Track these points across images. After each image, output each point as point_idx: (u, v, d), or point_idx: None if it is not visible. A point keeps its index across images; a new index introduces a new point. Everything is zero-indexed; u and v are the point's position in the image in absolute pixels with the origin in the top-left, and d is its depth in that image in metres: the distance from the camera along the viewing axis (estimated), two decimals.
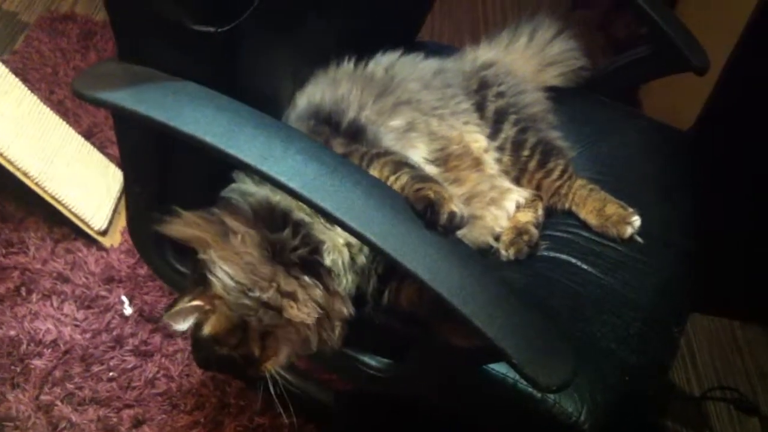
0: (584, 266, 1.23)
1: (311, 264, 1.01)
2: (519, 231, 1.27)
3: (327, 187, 0.82)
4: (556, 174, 1.31)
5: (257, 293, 0.97)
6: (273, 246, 0.99)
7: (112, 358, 1.72)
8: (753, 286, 1.91)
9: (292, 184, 0.81)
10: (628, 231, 1.25)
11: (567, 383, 0.80)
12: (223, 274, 0.97)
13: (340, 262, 1.04)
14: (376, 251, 0.81)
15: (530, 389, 1.00)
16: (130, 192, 1.10)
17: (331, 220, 0.82)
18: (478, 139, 1.29)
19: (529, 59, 1.49)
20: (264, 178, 0.82)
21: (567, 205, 1.32)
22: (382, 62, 1.30)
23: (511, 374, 1.02)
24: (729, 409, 1.88)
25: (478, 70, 1.38)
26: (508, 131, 1.30)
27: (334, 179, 0.83)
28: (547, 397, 1.02)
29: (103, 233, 1.92)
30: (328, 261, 1.03)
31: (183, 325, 1.01)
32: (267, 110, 0.90)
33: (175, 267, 1.14)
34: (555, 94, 1.45)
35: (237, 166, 0.89)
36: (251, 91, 0.97)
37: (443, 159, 1.22)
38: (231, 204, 1.03)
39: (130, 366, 1.71)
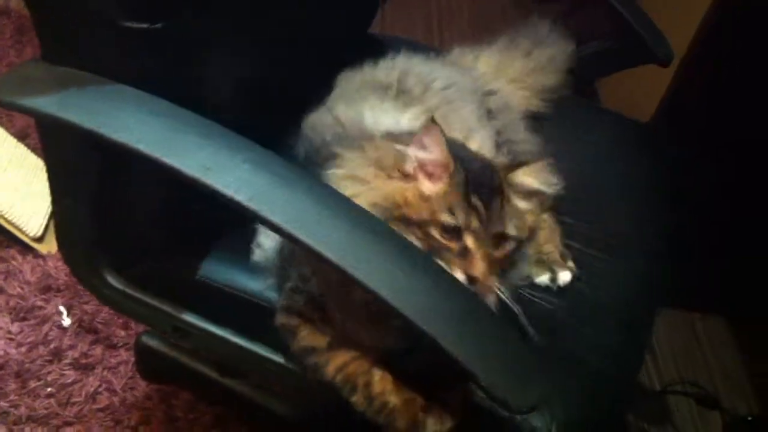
0: None
1: None
2: None
3: (278, 198, 0.75)
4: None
5: None
6: None
7: (50, 372, 1.63)
8: (712, 277, 1.89)
9: (239, 197, 0.73)
10: (542, 276, 1.15)
11: (538, 405, 0.74)
12: None
13: None
14: (333, 268, 0.73)
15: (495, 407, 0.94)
16: (59, 205, 1.00)
17: (283, 235, 0.74)
18: None
19: (526, 76, 1.43)
20: (207, 192, 0.74)
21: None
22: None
23: (479, 392, 0.95)
24: (690, 404, 1.86)
25: (485, 94, 1.33)
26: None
27: (286, 190, 0.75)
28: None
29: (39, 240, 1.82)
30: None
31: None
32: (215, 117, 0.82)
33: (112, 285, 1.05)
34: None
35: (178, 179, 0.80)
36: (197, 96, 0.89)
37: None
38: None
39: (69, 380, 1.62)
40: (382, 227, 0.79)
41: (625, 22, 1.32)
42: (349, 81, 1.25)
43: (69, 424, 1.56)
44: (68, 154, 0.92)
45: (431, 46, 1.65)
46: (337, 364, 0.93)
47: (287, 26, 1.18)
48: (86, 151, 0.88)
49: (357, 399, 0.92)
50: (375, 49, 1.31)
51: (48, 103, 0.78)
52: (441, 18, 2.75)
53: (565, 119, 1.44)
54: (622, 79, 1.70)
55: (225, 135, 0.79)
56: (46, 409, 1.58)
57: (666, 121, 1.72)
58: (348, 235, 0.75)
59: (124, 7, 0.79)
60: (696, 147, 1.70)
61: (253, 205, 0.74)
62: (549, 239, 1.19)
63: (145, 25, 0.80)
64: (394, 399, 0.90)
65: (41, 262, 1.80)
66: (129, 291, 1.06)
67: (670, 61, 1.32)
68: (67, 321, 1.71)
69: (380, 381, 0.91)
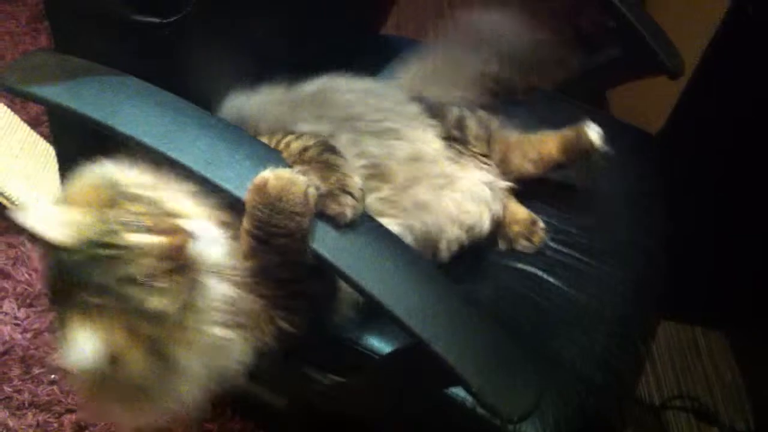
0: (551, 279, 1.17)
1: None
2: (531, 220, 1.23)
3: None
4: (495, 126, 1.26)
5: None
6: None
7: (54, 359, 1.63)
8: (716, 292, 1.87)
9: (240, 194, 0.75)
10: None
11: (529, 413, 0.75)
12: None
13: None
14: (333, 271, 0.74)
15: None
16: None
17: None
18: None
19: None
20: (208, 186, 0.75)
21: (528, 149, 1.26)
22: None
23: (471, 398, 0.95)
24: (689, 418, 1.85)
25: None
26: (451, 116, 1.23)
27: None
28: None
29: None
30: None
31: None
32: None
33: None
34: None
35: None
36: (198, 89, 0.90)
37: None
38: None
39: None
40: (374, 224, 0.80)
41: (631, 29, 1.30)
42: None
43: (71, 411, 1.57)
44: (76, 143, 0.93)
45: None
46: None
47: (294, 26, 1.19)
48: (92, 140, 0.89)
49: None
50: (384, 51, 1.32)
51: (56, 92, 0.79)
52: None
53: (562, 123, 1.41)
54: (633, 90, 1.69)
55: (228, 130, 0.80)
56: (48, 395, 1.59)
57: (675, 133, 1.71)
58: (353, 241, 0.76)
59: (138, 2, 0.80)
60: (704, 160, 1.69)
61: None
62: (516, 220, 1.23)
63: (156, 20, 0.81)
64: None
65: None
66: None
67: (680, 72, 1.31)
68: None
69: None
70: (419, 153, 1.12)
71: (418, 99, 1.22)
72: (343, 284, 0.87)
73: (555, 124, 1.34)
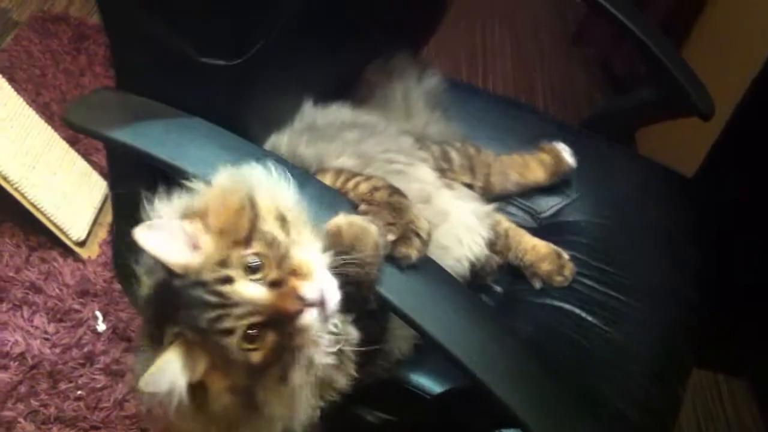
0: (588, 317, 1.18)
1: None
2: (556, 254, 1.23)
3: None
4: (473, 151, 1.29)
5: None
6: None
7: (81, 375, 1.65)
8: (740, 339, 1.88)
9: None
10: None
11: None
12: None
13: None
14: (396, 313, 0.75)
15: None
16: (117, 225, 1.02)
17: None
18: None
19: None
20: None
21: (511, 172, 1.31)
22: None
23: None
24: None
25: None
26: (435, 149, 1.24)
27: None
28: None
29: (81, 244, 1.85)
30: None
31: None
32: None
33: None
34: (555, 132, 1.41)
35: None
36: (256, 124, 0.92)
37: None
38: None
39: (99, 385, 1.64)
40: (435, 266, 0.81)
41: (664, 71, 1.31)
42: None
43: (95, 428, 1.58)
44: (132, 180, 0.94)
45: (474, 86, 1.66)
46: None
47: (338, 67, 1.22)
48: (150, 181, 0.89)
49: None
50: None
51: (121, 131, 0.81)
52: (485, 56, 2.77)
53: (603, 164, 1.45)
54: (663, 132, 1.69)
55: (294, 172, 0.81)
56: (74, 411, 1.60)
57: (709, 176, 1.71)
58: (406, 276, 0.77)
59: (203, 45, 0.82)
60: (737, 205, 1.69)
61: None
62: (543, 257, 1.23)
63: (222, 62, 0.83)
64: None
65: (81, 266, 1.83)
66: None
67: (711, 114, 1.31)
68: (101, 326, 1.73)
69: None
70: (427, 194, 1.12)
71: (406, 131, 1.24)
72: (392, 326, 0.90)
73: (588, 163, 1.38)
